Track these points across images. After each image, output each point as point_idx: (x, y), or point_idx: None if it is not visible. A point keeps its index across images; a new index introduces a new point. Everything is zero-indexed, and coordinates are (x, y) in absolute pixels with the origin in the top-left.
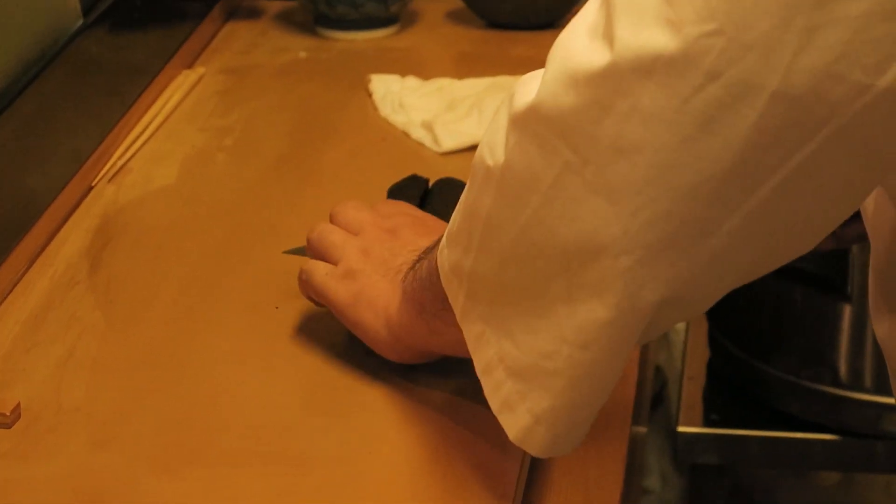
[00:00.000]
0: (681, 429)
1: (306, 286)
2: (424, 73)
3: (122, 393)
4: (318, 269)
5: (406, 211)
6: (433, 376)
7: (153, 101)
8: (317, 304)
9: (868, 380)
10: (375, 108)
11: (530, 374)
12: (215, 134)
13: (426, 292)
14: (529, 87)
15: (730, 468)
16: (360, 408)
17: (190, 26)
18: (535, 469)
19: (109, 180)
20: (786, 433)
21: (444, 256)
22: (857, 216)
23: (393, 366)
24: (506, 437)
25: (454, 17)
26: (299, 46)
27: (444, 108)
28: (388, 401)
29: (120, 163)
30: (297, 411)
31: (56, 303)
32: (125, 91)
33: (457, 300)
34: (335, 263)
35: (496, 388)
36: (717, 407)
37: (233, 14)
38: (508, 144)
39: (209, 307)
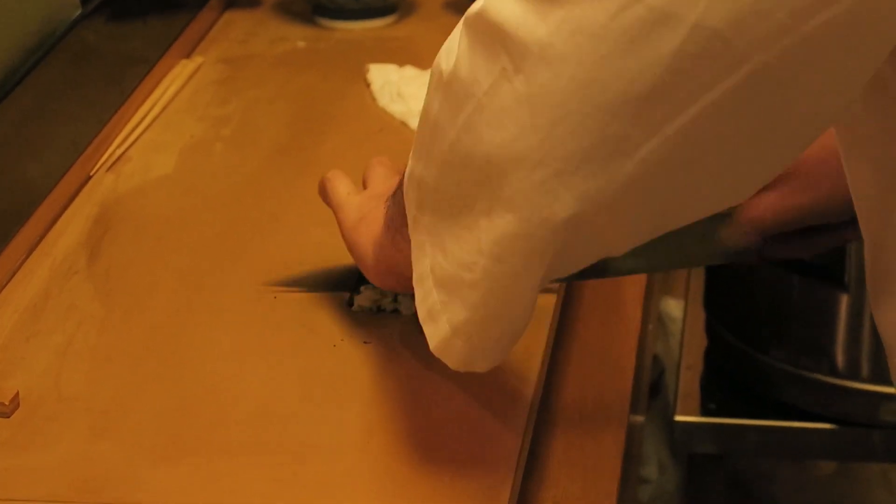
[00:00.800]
0: (678, 418)
1: (325, 194)
2: (423, 62)
3: (121, 382)
4: (342, 185)
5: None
6: (432, 367)
7: (151, 91)
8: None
9: (865, 369)
10: (373, 98)
11: (452, 284)
12: (213, 123)
13: (395, 208)
14: None
15: (727, 457)
16: (359, 398)
17: (188, 16)
18: (533, 458)
19: (108, 169)
20: (783, 422)
21: (408, 167)
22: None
23: (392, 355)
24: (504, 426)
25: (453, 6)
26: (297, 36)
27: None
28: (387, 391)
29: (118, 152)
30: (295, 401)
31: (55, 292)
32: (124, 80)
33: (410, 210)
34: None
35: (425, 297)
36: (714, 396)
37: (231, 3)
38: (461, 48)
39: (208, 297)
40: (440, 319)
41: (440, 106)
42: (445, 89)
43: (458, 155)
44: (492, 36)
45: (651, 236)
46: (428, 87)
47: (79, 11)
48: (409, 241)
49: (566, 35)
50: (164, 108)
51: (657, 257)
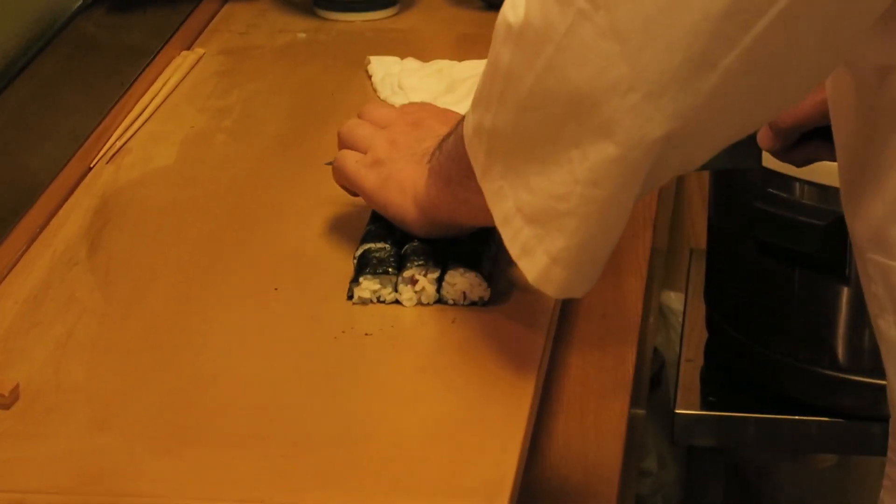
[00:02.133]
0: (678, 411)
1: (338, 173)
2: (424, 54)
3: (121, 374)
4: (349, 157)
5: (429, 107)
6: (434, 360)
7: (152, 82)
8: (349, 192)
9: (866, 362)
10: (375, 90)
11: (545, 216)
12: (214, 115)
13: (451, 162)
14: None
15: (727, 450)
16: (360, 389)
17: (189, 7)
18: (535, 451)
19: (108, 161)
20: (783, 415)
21: (468, 122)
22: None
23: (393, 346)
24: (505, 418)
25: None
26: (298, 27)
27: (444, 90)
28: (388, 383)
29: (119, 143)
30: (296, 392)
31: (55, 283)
32: (124, 71)
33: (477, 160)
34: (364, 153)
35: (514, 235)
36: (714, 389)
37: None
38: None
39: (208, 288)
40: (536, 252)
41: (512, 56)
42: (517, 40)
43: (538, 97)
44: None
45: (726, 144)
46: (493, 42)
47: (79, 2)
48: (475, 193)
49: None
50: (164, 100)
51: None
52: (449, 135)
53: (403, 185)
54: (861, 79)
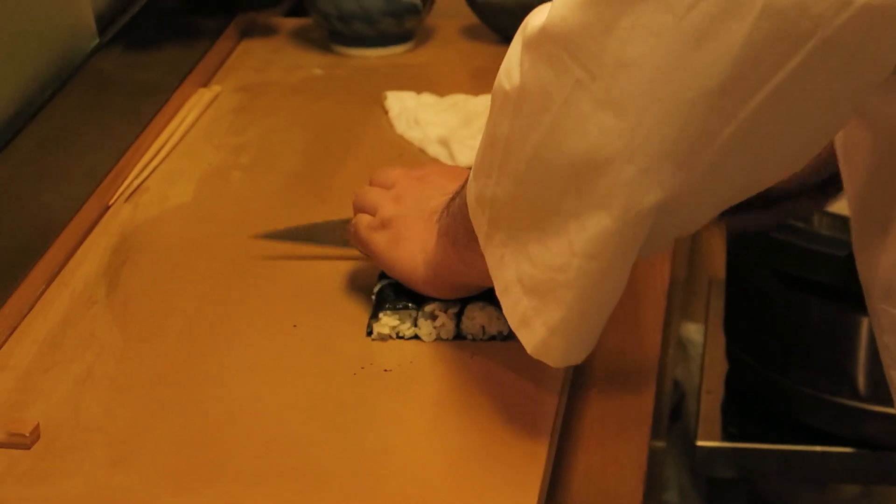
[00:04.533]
0: (699, 443)
1: (353, 238)
2: (440, 89)
3: (140, 411)
4: (362, 222)
5: (436, 164)
6: (453, 395)
7: (169, 120)
8: (366, 256)
9: (887, 392)
10: (391, 125)
11: (544, 288)
12: (231, 152)
13: (458, 225)
14: (541, 14)
15: (749, 482)
16: (379, 425)
17: (205, 44)
18: (555, 483)
19: (126, 199)
20: (805, 446)
21: (470, 188)
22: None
23: (412, 382)
24: (524, 454)
25: (469, 32)
26: (314, 63)
27: (460, 124)
28: (404, 416)
29: (136, 182)
30: (315, 429)
31: (74, 322)
32: (141, 110)
33: (481, 228)
34: (374, 216)
35: (514, 306)
36: (735, 420)
37: (248, 32)
38: (523, 67)
39: (226, 325)
40: (534, 324)
41: (511, 124)
42: (515, 107)
43: (538, 166)
44: (558, 50)
45: (725, 208)
46: (491, 110)
47: (96, 41)
48: (480, 256)
49: (638, 41)
50: (181, 137)
51: None
52: (456, 195)
53: (412, 245)
54: (877, 134)
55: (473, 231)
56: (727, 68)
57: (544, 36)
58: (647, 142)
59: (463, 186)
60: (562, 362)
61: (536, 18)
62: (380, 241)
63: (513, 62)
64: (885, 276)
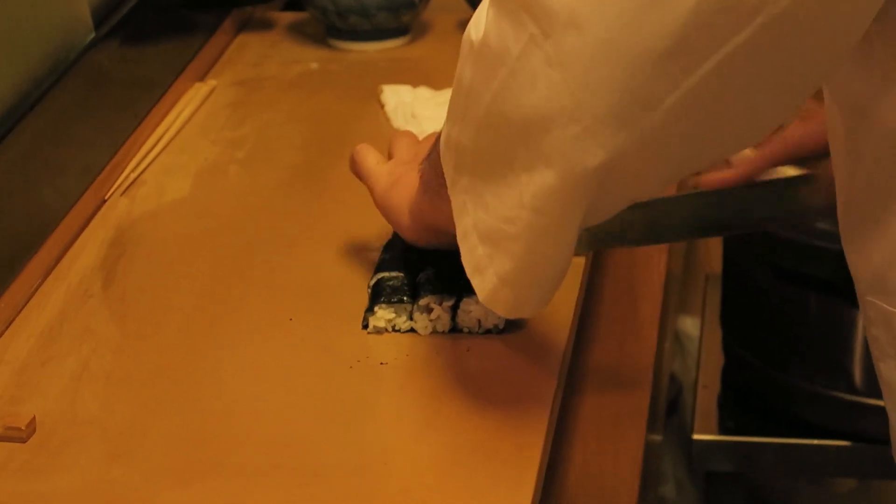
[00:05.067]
0: (696, 436)
1: (355, 166)
2: (436, 83)
3: (137, 406)
4: (371, 155)
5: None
6: (449, 388)
7: (165, 114)
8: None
9: None
10: (388, 119)
11: (496, 237)
12: (228, 146)
13: (431, 171)
14: None
15: (745, 476)
16: (375, 419)
17: (202, 39)
18: (551, 477)
19: (122, 193)
20: (801, 440)
21: (443, 132)
22: None
23: (408, 375)
24: (521, 448)
25: (465, 26)
26: (311, 58)
27: None
28: (404, 412)
29: (133, 176)
30: (312, 422)
31: (70, 316)
32: (137, 104)
33: (448, 172)
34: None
35: (470, 251)
36: (732, 414)
37: (244, 26)
38: (488, 19)
39: (223, 319)
40: (487, 271)
41: (473, 73)
42: (476, 58)
43: (494, 118)
44: (518, 5)
45: (675, 180)
46: (460, 57)
47: (92, 35)
48: (448, 201)
49: (591, 0)
50: (178, 132)
51: (734, 217)
52: (436, 143)
53: (402, 193)
54: (847, 116)
55: (442, 177)
56: (675, 33)
57: None
58: (592, 101)
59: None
60: (512, 313)
61: None
62: (382, 180)
63: (481, 13)
64: (874, 269)
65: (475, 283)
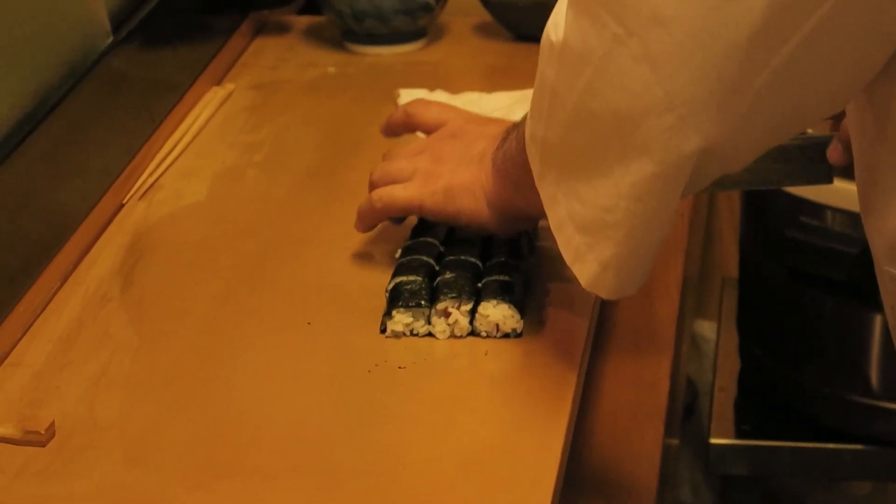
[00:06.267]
0: (712, 440)
1: (387, 209)
2: (453, 86)
3: (155, 409)
4: (396, 188)
5: (453, 114)
6: (467, 392)
7: (183, 118)
8: (394, 222)
9: None
10: None
11: (595, 227)
12: (245, 150)
13: (515, 167)
14: None
15: (762, 479)
16: (393, 421)
17: (219, 42)
18: (570, 481)
19: (140, 197)
20: (817, 443)
21: (526, 130)
22: None
23: (426, 380)
24: (539, 452)
25: (482, 30)
26: (328, 61)
27: None
28: (418, 414)
29: (150, 180)
30: (329, 425)
31: (88, 320)
32: (155, 108)
33: (534, 167)
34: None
35: (567, 242)
36: (748, 418)
37: (261, 30)
38: (567, 21)
39: (241, 323)
40: (587, 259)
41: (556, 74)
42: (559, 59)
43: (582, 115)
44: (598, 6)
45: (763, 151)
46: (540, 59)
47: (110, 39)
48: (534, 190)
49: None
50: (195, 135)
51: (755, 175)
52: (508, 134)
53: (472, 190)
54: (870, 90)
55: (529, 172)
56: (758, 17)
57: None
58: (684, 91)
59: (513, 127)
60: (614, 295)
61: None
62: (431, 194)
63: (559, 15)
64: (891, 237)
65: (575, 270)
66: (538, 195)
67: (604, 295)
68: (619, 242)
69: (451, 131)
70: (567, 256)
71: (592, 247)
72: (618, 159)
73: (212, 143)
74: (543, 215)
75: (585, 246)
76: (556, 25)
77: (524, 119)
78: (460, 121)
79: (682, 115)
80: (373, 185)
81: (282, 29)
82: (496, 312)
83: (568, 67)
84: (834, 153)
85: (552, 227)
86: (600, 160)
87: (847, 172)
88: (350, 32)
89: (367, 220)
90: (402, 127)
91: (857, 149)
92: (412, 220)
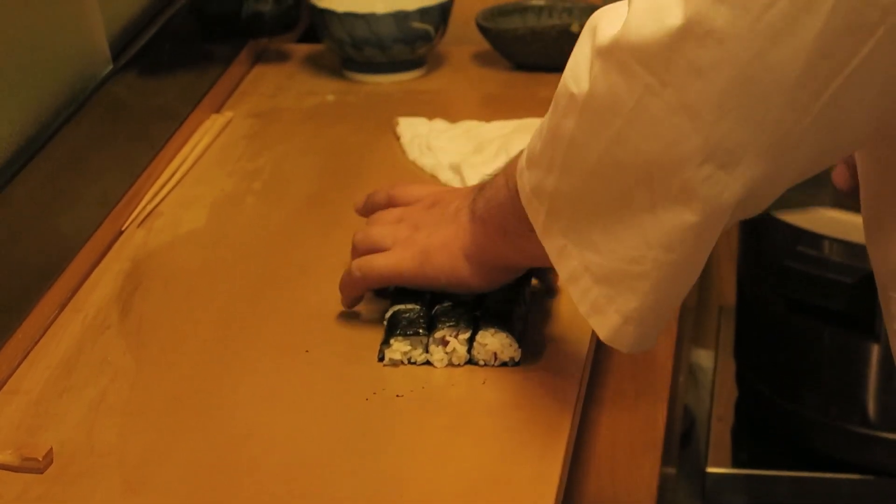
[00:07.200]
0: (710, 469)
1: (366, 279)
2: (452, 115)
3: (153, 436)
4: (375, 257)
5: (429, 188)
6: (465, 420)
7: (182, 146)
8: (378, 294)
9: None
10: (403, 151)
11: (616, 278)
12: (244, 177)
13: (508, 216)
14: (613, 21)
15: None
16: (391, 450)
17: (218, 70)
18: None
19: (139, 224)
20: (815, 473)
21: (524, 179)
22: None
23: (424, 408)
24: (536, 480)
25: (481, 59)
26: (327, 89)
27: (472, 151)
28: (416, 442)
29: (149, 207)
30: (328, 454)
31: (87, 347)
32: (154, 135)
33: (537, 218)
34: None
35: (584, 294)
36: (745, 447)
37: (260, 58)
38: (593, 73)
39: (239, 350)
40: (607, 311)
41: (577, 125)
42: (582, 110)
43: (607, 166)
44: (629, 59)
45: (794, 184)
46: (553, 110)
47: (110, 67)
48: (533, 243)
49: (714, 45)
50: (194, 163)
51: None
52: (485, 185)
53: (449, 247)
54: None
55: (526, 219)
56: (802, 61)
57: (617, 45)
58: (726, 139)
59: (497, 178)
60: (635, 349)
61: (608, 27)
62: (409, 259)
63: (581, 67)
64: (895, 264)
65: (593, 323)
66: (531, 243)
67: (624, 349)
68: (645, 294)
69: (431, 201)
70: (583, 309)
71: (613, 299)
72: (646, 208)
73: (211, 171)
74: (530, 264)
75: (605, 298)
76: (577, 77)
77: (509, 164)
78: (441, 193)
79: (723, 164)
80: (354, 249)
81: (281, 57)
82: (494, 341)
83: (593, 118)
84: (839, 177)
85: (563, 279)
86: (623, 209)
87: (848, 199)
88: (349, 61)
89: (349, 291)
90: (383, 207)
91: (864, 174)
92: None
